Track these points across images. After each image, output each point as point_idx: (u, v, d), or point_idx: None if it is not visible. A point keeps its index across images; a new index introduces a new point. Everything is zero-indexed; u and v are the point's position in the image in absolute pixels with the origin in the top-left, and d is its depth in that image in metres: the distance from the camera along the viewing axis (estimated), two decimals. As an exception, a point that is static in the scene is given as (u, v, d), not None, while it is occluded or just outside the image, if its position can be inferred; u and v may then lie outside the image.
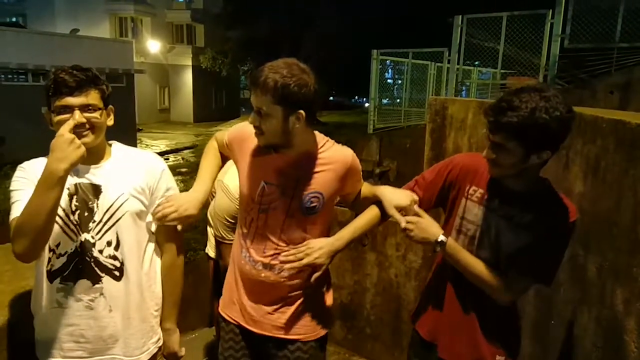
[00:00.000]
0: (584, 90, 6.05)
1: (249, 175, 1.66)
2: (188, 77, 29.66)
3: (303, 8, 21.01)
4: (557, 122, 1.34)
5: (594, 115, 1.94)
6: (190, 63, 29.42)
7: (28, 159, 1.59)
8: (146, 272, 1.63)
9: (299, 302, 1.70)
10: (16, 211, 1.43)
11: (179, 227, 1.63)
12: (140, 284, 1.61)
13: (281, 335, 1.70)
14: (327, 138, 1.70)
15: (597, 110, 2.24)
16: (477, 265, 1.58)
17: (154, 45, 28.03)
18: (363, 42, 17.38)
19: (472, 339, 1.66)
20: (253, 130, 1.60)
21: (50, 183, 1.34)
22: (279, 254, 1.65)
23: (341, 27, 20.05)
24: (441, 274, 1.76)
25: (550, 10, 6.41)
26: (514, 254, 1.53)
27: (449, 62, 8.57)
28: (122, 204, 1.54)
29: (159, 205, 1.61)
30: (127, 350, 1.60)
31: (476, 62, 10.31)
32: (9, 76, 16.69)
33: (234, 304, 1.77)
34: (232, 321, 1.78)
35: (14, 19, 28.47)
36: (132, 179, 1.59)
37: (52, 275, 1.52)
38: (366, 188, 1.80)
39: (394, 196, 1.66)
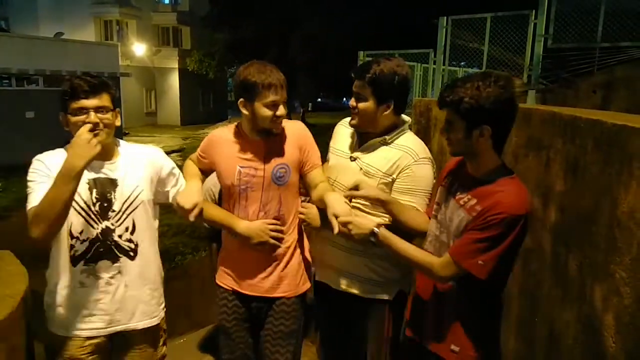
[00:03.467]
0: (567, 90, 6.13)
1: (225, 167, 2.01)
2: (175, 80, 29.48)
3: (290, 10, 21.02)
4: (487, 100, 1.49)
5: (573, 115, 1.98)
6: (176, 66, 29.21)
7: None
8: (154, 248, 1.91)
9: (282, 266, 2.04)
10: (33, 200, 1.62)
11: (191, 219, 1.82)
12: (149, 259, 1.88)
13: (269, 294, 2.06)
14: None
15: (576, 110, 2.28)
16: (409, 250, 1.70)
17: (139, 48, 27.81)
18: (350, 43, 17.42)
19: (434, 324, 1.75)
20: (219, 135, 2.07)
21: (68, 177, 1.55)
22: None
23: (328, 29, 20.09)
24: None
25: (534, 11, 6.47)
26: (457, 237, 1.62)
27: (434, 63, 8.63)
28: (138, 195, 1.82)
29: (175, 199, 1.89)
30: (142, 317, 1.87)
31: (462, 63, 10.39)
32: (-8, 81, 16.52)
33: (228, 273, 2.12)
34: (226, 287, 2.12)
35: (-4, 23, 28.12)
36: (143, 172, 1.86)
37: (75, 260, 1.74)
38: (325, 187, 2.01)
39: (336, 206, 1.81)
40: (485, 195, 1.55)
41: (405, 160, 1.93)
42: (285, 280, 2.06)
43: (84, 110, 1.68)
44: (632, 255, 1.40)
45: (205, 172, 2.11)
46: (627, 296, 1.42)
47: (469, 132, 1.55)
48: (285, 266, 2.06)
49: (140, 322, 1.87)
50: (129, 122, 23.54)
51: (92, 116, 1.68)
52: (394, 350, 2.08)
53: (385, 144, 1.98)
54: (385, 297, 2.03)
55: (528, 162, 2.43)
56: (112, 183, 1.77)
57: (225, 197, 2.07)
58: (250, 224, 1.98)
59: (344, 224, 1.75)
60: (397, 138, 1.98)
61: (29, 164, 1.74)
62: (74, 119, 1.69)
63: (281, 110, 1.92)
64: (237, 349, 2.14)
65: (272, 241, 1.98)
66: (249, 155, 1.98)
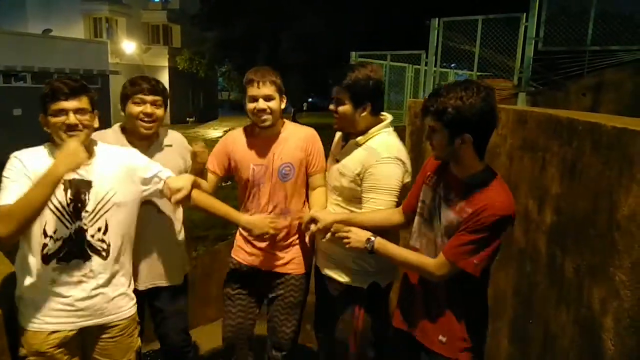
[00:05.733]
0: (558, 92, 6.16)
1: (241, 164, 2.31)
2: (164, 78, 29.14)
3: (281, 9, 20.93)
4: (470, 110, 1.54)
5: (570, 117, 1.98)
6: (166, 64, 29.04)
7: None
8: (125, 248, 1.93)
9: (291, 249, 2.36)
10: (4, 198, 1.62)
11: (173, 201, 1.96)
12: (120, 259, 1.90)
13: (281, 270, 2.37)
14: (291, 122, 2.39)
15: (573, 113, 2.28)
16: (404, 254, 1.80)
17: (129, 46, 27.56)
18: (342, 43, 17.39)
19: (423, 314, 1.81)
20: (234, 136, 2.37)
21: (50, 181, 1.60)
22: (270, 214, 2.29)
23: (320, 29, 20.02)
24: None
25: (525, 14, 6.50)
26: (446, 236, 1.68)
27: (426, 65, 8.64)
28: (111, 197, 1.84)
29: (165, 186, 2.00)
30: (113, 311, 1.90)
31: (453, 65, 10.43)
32: (-21, 77, 16.28)
33: (243, 250, 2.40)
34: (240, 261, 2.41)
35: (-17, 19, 27.68)
36: (119, 174, 1.88)
37: (48, 258, 1.75)
38: (318, 194, 2.29)
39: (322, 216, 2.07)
40: (473, 197, 1.61)
41: (369, 161, 2.05)
42: (294, 259, 2.37)
43: (63, 111, 1.73)
44: (632, 258, 1.40)
45: (222, 177, 2.37)
46: (627, 299, 1.42)
47: (451, 140, 1.61)
48: (293, 249, 2.37)
49: (110, 317, 1.90)
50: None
51: (71, 117, 1.73)
52: (377, 340, 2.23)
53: (358, 145, 2.12)
54: (359, 285, 2.18)
55: (523, 164, 2.43)
56: (87, 184, 1.80)
57: (242, 190, 2.37)
58: (250, 218, 2.26)
59: (342, 232, 1.92)
60: (369, 139, 2.11)
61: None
62: (53, 120, 1.74)
63: (261, 104, 2.15)
64: (236, 317, 2.41)
65: (272, 231, 2.22)
66: (260, 155, 2.29)
